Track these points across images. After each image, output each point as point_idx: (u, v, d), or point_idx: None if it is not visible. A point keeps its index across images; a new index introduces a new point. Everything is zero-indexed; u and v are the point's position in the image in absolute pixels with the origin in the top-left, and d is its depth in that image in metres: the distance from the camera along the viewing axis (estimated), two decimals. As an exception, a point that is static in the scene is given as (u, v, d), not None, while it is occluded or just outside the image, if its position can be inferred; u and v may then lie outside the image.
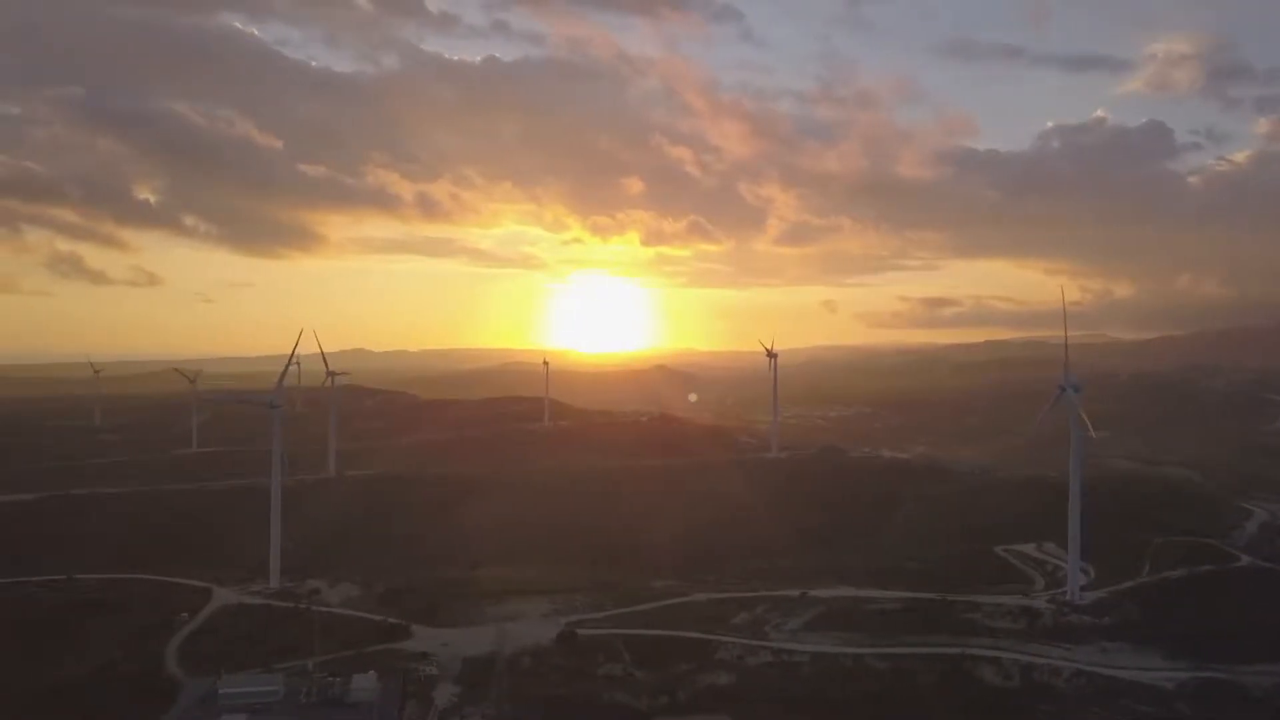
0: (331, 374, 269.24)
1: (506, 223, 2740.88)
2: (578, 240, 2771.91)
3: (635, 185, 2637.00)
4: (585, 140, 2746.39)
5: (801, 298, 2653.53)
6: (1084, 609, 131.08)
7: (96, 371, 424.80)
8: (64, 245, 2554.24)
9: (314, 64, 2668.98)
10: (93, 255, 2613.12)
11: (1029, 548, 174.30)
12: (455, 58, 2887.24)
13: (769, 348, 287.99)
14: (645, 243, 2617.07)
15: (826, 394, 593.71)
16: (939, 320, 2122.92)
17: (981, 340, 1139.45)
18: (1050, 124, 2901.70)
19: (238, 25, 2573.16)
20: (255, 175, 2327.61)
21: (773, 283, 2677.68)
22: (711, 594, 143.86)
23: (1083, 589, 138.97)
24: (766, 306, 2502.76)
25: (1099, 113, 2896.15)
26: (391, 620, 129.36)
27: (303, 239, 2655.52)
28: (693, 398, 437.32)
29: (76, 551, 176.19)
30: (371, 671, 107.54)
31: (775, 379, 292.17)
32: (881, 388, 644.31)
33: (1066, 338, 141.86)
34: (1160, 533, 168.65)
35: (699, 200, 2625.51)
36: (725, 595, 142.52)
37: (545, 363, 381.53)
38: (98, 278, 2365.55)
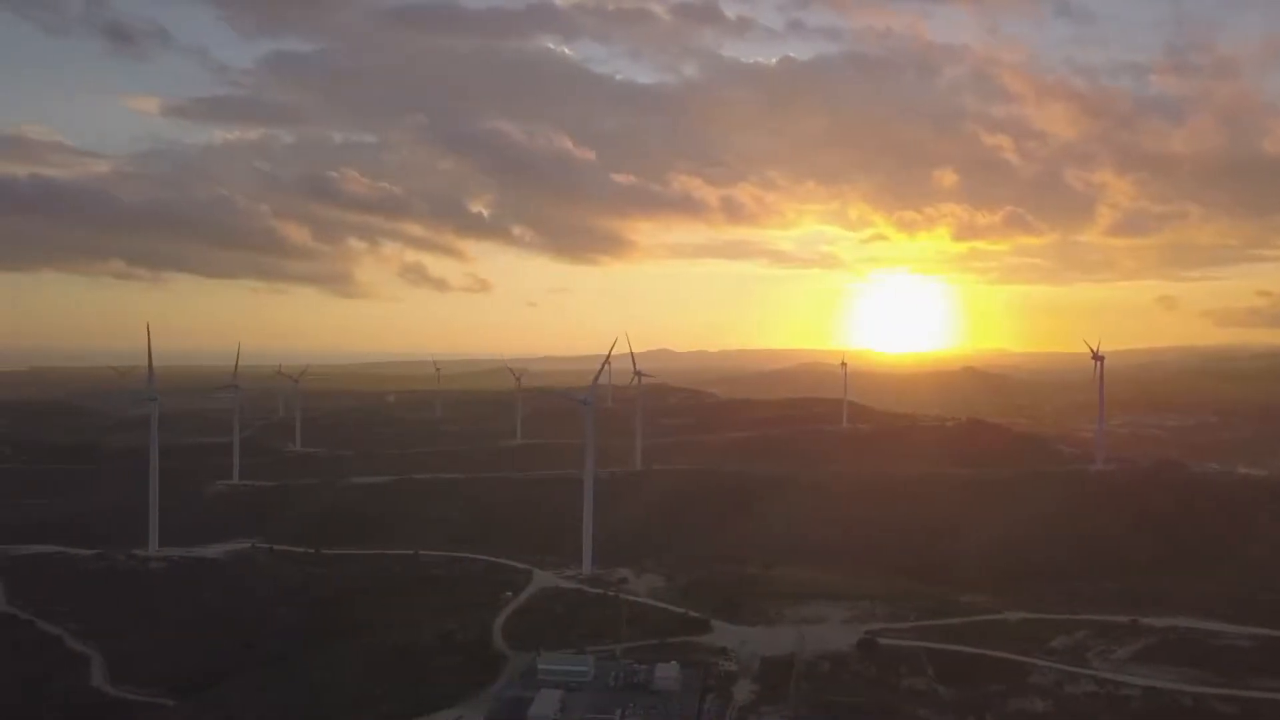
0: (638, 374, 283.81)
1: (808, 223, 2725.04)
2: (880, 237, 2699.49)
3: (947, 177, 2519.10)
4: (891, 134, 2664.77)
5: (1134, 294, 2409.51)
6: None
7: (438, 369, 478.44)
8: (412, 256, 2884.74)
9: (618, 77, 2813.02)
10: (435, 264, 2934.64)
11: None
12: (751, 61, 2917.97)
13: (1095, 349, 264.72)
14: (957, 237, 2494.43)
15: (1163, 400, 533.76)
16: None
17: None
18: None
19: (551, 46, 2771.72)
20: (572, 186, 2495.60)
21: (1101, 277, 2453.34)
22: (1026, 613, 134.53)
23: None
24: (1093, 303, 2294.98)
25: None
26: (693, 614, 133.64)
27: (615, 245, 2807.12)
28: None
29: (421, 530, 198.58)
30: (674, 662, 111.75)
31: (1101, 383, 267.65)
32: (1233, 394, 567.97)
33: None
34: None
35: (1018, 190, 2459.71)
36: (1042, 616, 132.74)
37: (843, 363, 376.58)
38: (440, 285, 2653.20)
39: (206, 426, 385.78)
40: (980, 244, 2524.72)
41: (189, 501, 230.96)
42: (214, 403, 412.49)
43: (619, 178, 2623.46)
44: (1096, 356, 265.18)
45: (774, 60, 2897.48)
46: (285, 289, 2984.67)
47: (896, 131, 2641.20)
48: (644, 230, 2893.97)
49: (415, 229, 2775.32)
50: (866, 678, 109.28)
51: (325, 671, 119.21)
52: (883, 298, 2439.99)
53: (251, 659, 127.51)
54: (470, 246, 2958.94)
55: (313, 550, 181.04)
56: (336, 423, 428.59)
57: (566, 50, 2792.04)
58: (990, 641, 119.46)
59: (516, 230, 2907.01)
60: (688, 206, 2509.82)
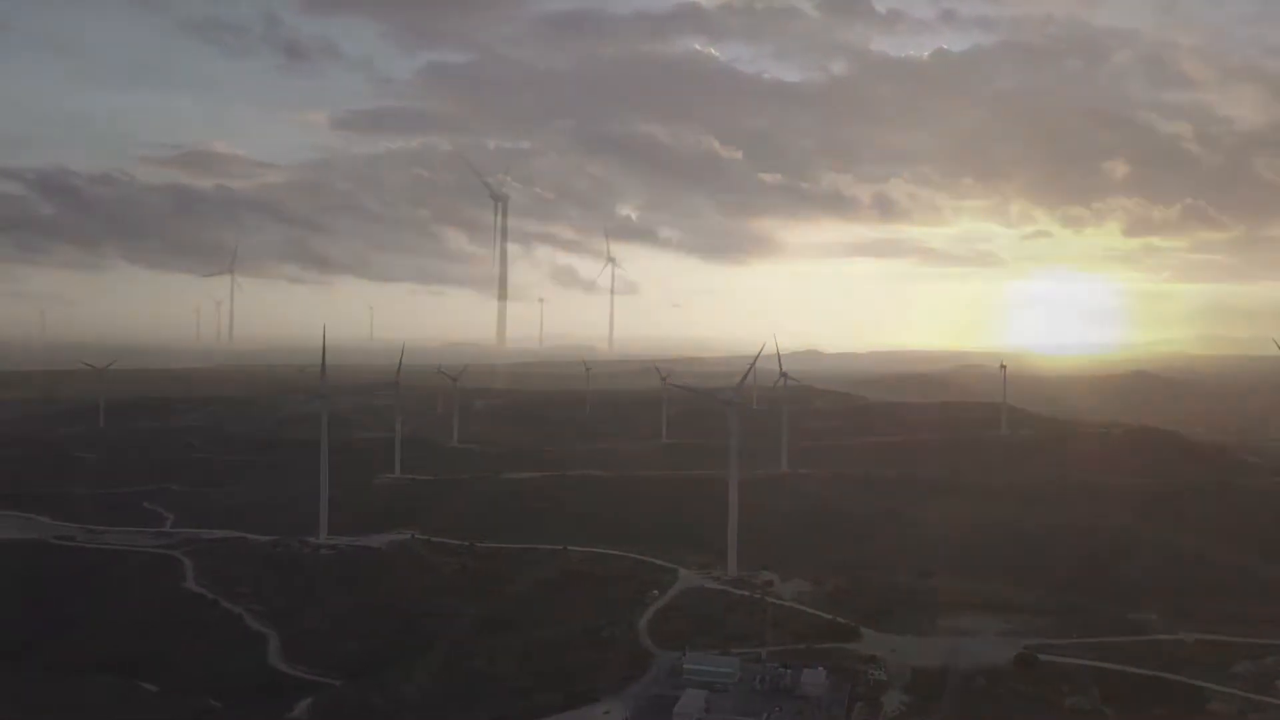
0: (783, 374, 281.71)
1: (965, 220, 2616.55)
2: (1042, 234, 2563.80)
3: (1118, 170, 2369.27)
4: (1055, 126, 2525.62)
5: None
6: None
7: (587, 369, 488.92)
8: (563, 259, 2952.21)
9: (765, 76, 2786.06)
10: (584, 267, 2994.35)
11: None
12: (902, 55, 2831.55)
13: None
14: (1129, 233, 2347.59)
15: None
16: None
17: None
18: None
19: (697, 47, 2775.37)
20: (719, 187, 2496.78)
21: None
22: (1202, 635, 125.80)
23: None
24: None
25: None
26: (840, 620, 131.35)
27: (763, 245, 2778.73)
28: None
29: (569, 526, 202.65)
30: (821, 668, 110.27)
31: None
32: None
33: None
34: None
35: (1198, 182, 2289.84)
36: (1221, 638, 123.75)
37: (1002, 366, 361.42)
38: (589, 286, 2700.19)
39: (371, 422, 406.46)
40: (1155, 240, 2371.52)
41: (355, 493, 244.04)
42: (378, 399, 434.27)
43: (767, 177, 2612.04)
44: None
45: (926, 53, 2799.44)
46: (443, 290, 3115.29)
47: (1060, 123, 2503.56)
48: (792, 229, 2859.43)
49: (566, 232, 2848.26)
50: (1025, 695, 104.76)
51: (481, 661, 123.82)
52: (1046, 297, 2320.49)
53: (412, 646, 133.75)
54: (618, 250, 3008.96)
55: (467, 543, 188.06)
56: (491, 420, 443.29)
57: (713, 51, 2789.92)
58: (1163, 663, 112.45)
59: (664, 233, 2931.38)
60: (837, 204, 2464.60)
